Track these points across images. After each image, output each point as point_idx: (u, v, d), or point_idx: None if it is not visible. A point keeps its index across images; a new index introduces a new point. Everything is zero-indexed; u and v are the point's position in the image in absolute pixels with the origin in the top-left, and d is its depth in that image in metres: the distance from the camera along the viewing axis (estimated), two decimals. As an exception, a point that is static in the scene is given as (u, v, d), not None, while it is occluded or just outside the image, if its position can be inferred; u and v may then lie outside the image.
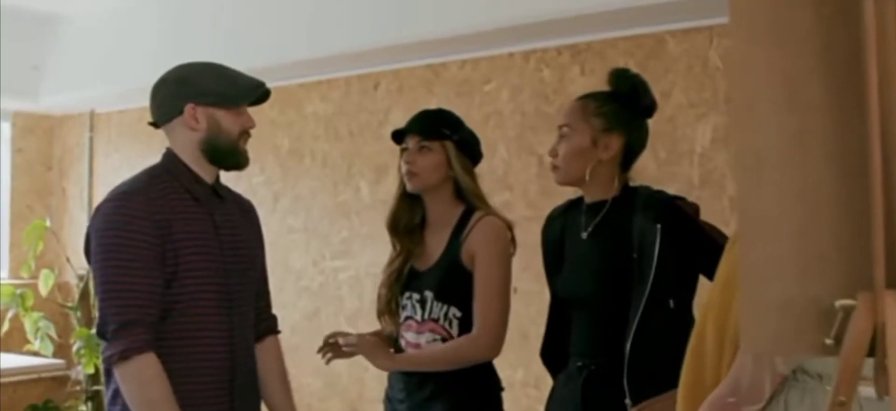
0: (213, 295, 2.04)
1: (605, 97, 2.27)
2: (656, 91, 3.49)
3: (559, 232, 2.37)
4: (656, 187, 2.30)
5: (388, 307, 2.59)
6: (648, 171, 3.49)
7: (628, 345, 2.08)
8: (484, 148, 3.96)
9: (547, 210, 2.75)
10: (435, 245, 2.56)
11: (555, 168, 2.29)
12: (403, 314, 2.57)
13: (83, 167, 5.78)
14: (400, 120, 4.34)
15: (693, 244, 2.12)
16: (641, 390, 2.08)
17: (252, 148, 2.24)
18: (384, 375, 2.67)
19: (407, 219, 2.60)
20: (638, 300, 2.09)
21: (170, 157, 2.13)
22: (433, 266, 2.54)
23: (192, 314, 2.02)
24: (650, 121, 3.50)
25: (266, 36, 4.47)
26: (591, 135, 2.23)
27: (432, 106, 4.20)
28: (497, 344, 2.44)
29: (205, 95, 2.09)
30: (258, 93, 2.16)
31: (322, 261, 4.60)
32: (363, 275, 4.43)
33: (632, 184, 2.30)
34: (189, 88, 2.09)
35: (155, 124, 2.17)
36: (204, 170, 2.14)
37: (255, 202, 4.85)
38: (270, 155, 4.79)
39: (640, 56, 3.54)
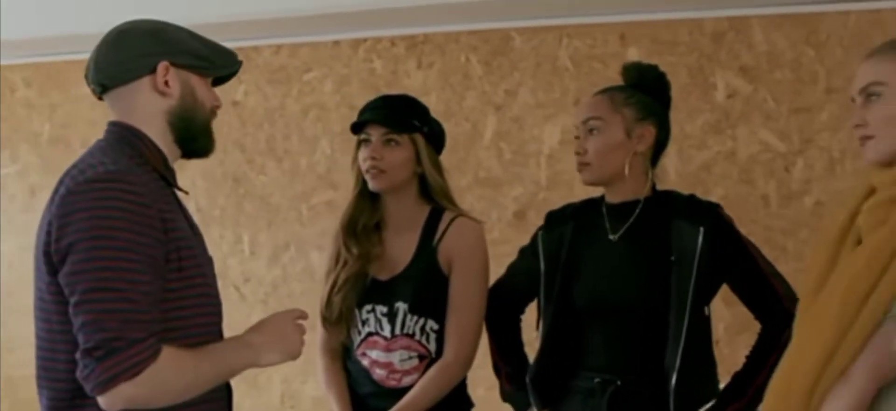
0: (212, 305, 1.82)
1: (630, 88, 2.29)
2: (501, 89, 3.67)
3: (571, 236, 2.31)
4: (686, 191, 2.35)
5: (343, 317, 2.42)
6: (493, 172, 3.63)
7: (678, 358, 2.08)
8: (303, 142, 3.94)
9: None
10: (398, 250, 2.44)
11: (585, 165, 2.25)
12: (365, 329, 2.43)
13: None
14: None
15: (733, 254, 2.18)
16: (685, 406, 2.11)
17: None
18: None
19: (365, 220, 2.46)
20: (681, 308, 2.10)
21: (130, 131, 1.79)
22: (402, 274, 2.42)
23: (198, 327, 1.76)
24: (495, 120, 3.68)
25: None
26: (624, 125, 2.23)
27: (238, 94, 4.07)
28: (471, 362, 2.40)
29: (182, 55, 1.79)
30: (238, 64, 1.90)
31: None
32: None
33: (658, 186, 2.32)
34: (165, 43, 1.79)
35: (101, 87, 1.82)
36: (169, 151, 1.83)
37: (4, 196, 4.46)
38: (25, 142, 4.36)
39: (485, 52, 3.65)
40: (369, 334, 2.43)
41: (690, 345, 2.10)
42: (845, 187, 3.26)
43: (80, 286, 1.63)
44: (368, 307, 2.43)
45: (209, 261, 1.86)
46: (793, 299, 2.14)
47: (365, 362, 2.44)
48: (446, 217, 2.44)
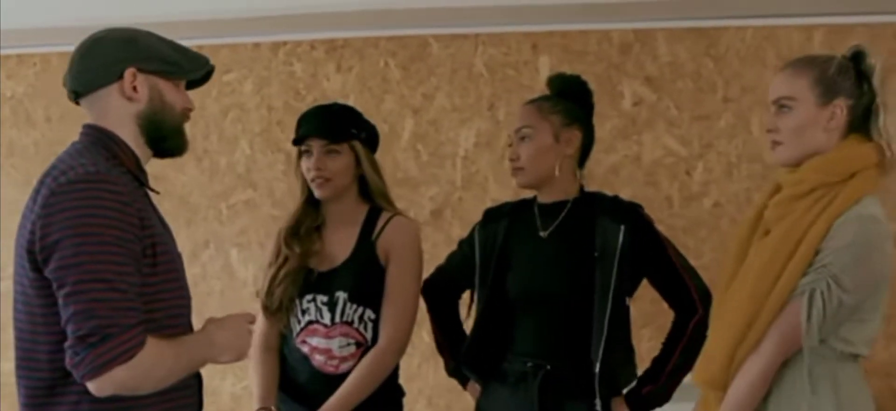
0: (183, 298, 1.93)
1: (555, 97, 2.48)
2: (419, 93, 3.84)
3: (505, 232, 2.49)
4: (599, 190, 2.56)
5: (283, 306, 2.56)
6: (411, 172, 3.79)
7: (602, 346, 2.29)
8: (222, 142, 4.03)
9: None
10: (337, 245, 2.58)
11: (519, 170, 2.43)
12: (304, 318, 2.56)
13: None
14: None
15: (651, 250, 2.39)
16: (609, 389, 2.32)
17: None
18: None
19: (309, 224, 2.60)
20: (603, 300, 2.30)
21: (104, 134, 1.89)
22: (342, 266, 2.55)
23: (174, 324, 1.88)
24: (412, 123, 3.83)
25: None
26: (553, 131, 2.42)
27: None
28: (404, 348, 2.55)
29: (151, 61, 1.91)
30: (208, 67, 2.03)
31: (9, 268, 4.27)
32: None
33: (586, 187, 2.51)
34: (134, 50, 1.90)
35: (75, 94, 1.93)
36: (142, 152, 1.94)
37: None
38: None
39: (404, 57, 3.81)
40: (310, 322, 2.56)
41: (612, 334, 2.31)
42: (741, 189, 3.52)
43: (70, 278, 1.72)
44: (309, 296, 2.56)
45: (179, 256, 1.97)
46: (703, 291, 2.39)
47: (305, 349, 2.57)
48: (384, 215, 2.60)
